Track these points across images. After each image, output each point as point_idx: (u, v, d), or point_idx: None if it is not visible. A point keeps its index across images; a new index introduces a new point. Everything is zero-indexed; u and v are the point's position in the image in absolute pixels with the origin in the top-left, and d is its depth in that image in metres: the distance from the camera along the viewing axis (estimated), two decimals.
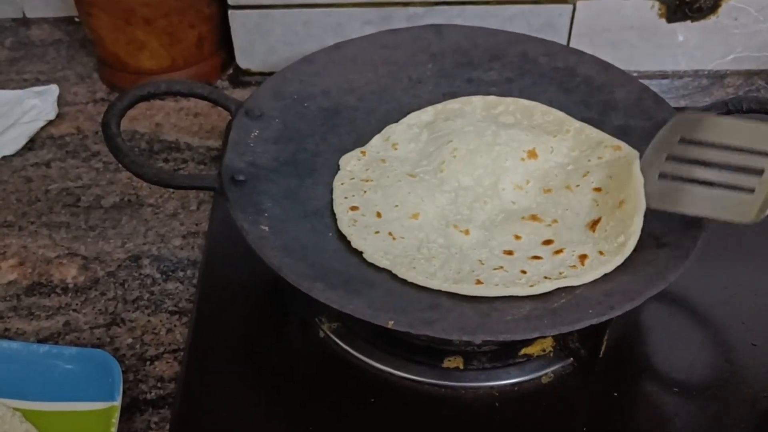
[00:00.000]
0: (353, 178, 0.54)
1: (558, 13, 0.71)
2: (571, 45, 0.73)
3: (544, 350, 0.50)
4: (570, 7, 0.71)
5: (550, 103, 0.59)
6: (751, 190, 0.44)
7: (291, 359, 0.50)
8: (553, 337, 0.50)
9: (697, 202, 0.45)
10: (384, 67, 0.61)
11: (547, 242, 0.49)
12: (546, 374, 0.49)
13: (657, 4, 0.71)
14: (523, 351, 0.50)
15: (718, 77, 0.76)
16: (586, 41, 0.73)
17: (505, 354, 0.50)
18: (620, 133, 0.56)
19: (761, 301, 0.54)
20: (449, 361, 0.49)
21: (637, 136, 0.55)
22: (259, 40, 0.72)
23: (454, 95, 0.61)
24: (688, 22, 0.73)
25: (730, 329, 0.53)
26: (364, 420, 0.47)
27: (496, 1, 0.70)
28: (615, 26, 0.73)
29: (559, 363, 0.50)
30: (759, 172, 0.44)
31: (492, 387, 0.49)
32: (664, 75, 0.76)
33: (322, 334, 0.51)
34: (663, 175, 0.47)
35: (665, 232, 0.48)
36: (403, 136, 0.57)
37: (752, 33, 0.74)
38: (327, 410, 0.48)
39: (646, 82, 0.75)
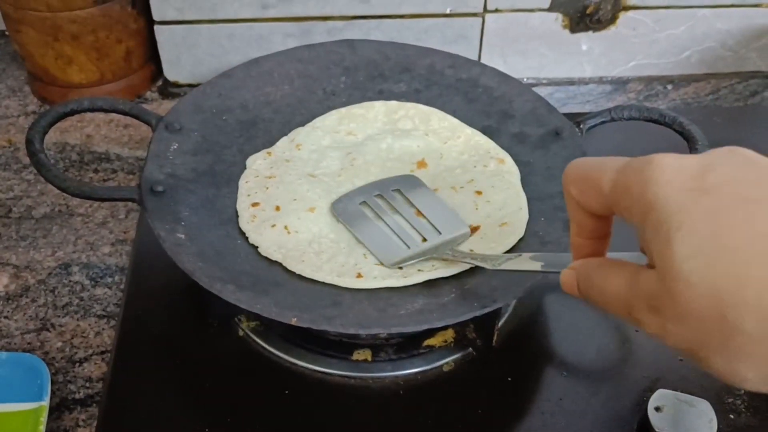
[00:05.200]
0: (257, 176, 0.57)
1: (470, 25, 0.75)
2: (483, 55, 0.78)
3: (446, 341, 0.54)
4: (479, 19, 0.75)
5: (454, 113, 0.63)
6: (408, 246, 0.52)
7: (212, 357, 0.53)
8: (453, 328, 0.54)
9: (370, 230, 0.53)
10: (299, 81, 0.64)
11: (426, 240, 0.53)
12: (447, 363, 0.53)
13: (560, 16, 0.76)
14: (426, 342, 0.53)
15: (621, 83, 0.81)
16: (498, 51, 0.78)
17: (410, 346, 0.53)
18: (516, 140, 0.60)
19: None
20: (358, 353, 0.53)
21: (531, 143, 0.60)
22: (186, 53, 0.75)
23: None
24: (590, 32, 0.78)
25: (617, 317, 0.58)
26: (279, 411, 0.50)
27: (411, 15, 0.74)
28: (523, 37, 0.77)
29: (459, 352, 0.54)
30: (424, 239, 0.53)
31: (397, 376, 0.52)
32: (571, 82, 0.81)
33: (241, 333, 0.54)
34: (364, 203, 0.55)
35: (549, 231, 0.53)
36: (307, 138, 0.60)
37: (650, 42, 0.79)
38: (245, 404, 0.51)
39: (554, 88, 0.81)
